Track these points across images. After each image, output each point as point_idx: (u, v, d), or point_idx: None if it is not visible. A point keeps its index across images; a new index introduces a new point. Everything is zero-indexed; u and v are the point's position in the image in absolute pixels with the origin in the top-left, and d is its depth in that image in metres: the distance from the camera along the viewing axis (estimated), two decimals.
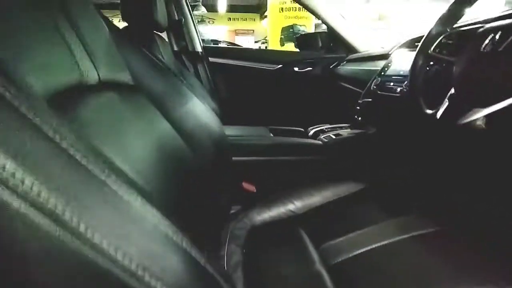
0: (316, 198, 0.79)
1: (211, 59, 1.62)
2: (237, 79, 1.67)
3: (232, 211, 0.78)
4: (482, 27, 0.56)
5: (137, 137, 0.43)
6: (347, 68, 1.46)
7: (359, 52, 1.50)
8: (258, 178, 0.87)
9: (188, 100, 0.65)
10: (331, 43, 1.67)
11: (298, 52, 1.89)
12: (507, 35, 0.48)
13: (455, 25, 0.65)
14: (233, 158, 0.84)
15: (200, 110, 0.67)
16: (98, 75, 0.41)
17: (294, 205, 0.77)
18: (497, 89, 0.48)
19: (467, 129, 0.51)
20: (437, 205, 0.68)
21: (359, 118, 0.99)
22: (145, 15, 1.05)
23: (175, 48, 1.50)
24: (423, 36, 0.98)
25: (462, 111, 0.52)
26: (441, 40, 0.64)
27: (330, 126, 1.14)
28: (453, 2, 0.64)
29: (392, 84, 0.95)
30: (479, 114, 0.49)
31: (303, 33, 4.17)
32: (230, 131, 1.02)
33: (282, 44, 4.36)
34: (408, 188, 0.76)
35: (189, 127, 0.61)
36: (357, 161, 0.90)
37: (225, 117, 1.28)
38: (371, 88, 1.04)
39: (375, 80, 1.03)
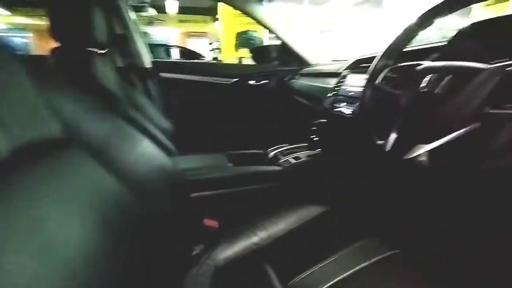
0: (280, 226, 0.78)
1: (162, 75, 1.52)
2: (192, 94, 1.60)
3: (195, 252, 0.73)
4: (419, 64, 0.60)
5: (70, 211, 0.36)
6: (301, 82, 1.50)
7: (311, 64, 1.56)
8: (220, 213, 0.83)
9: (136, 144, 0.58)
10: (285, 55, 1.70)
11: (253, 65, 1.89)
12: (442, 77, 0.53)
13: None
14: (192, 194, 0.79)
15: (151, 152, 0.60)
16: (9, 142, 0.32)
17: (258, 237, 0.75)
18: (437, 127, 0.52)
19: (413, 163, 0.54)
20: (393, 228, 0.73)
21: (316, 139, 1.02)
22: (81, 31, 0.93)
23: (120, 65, 1.36)
24: (369, 57, 1.07)
25: (408, 146, 0.56)
26: (386, 73, 0.68)
27: (289, 146, 1.15)
28: (395, 38, 0.69)
29: (344, 104, 1.00)
30: (423, 150, 0.53)
31: (256, 38, 4.22)
32: (186, 163, 0.96)
33: (236, 50, 4.36)
34: (366, 210, 0.80)
35: (140, 175, 0.54)
36: (316, 185, 0.92)
37: (180, 138, 1.21)
38: (325, 107, 1.08)
39: (328, 99, 1.08)
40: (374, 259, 0.62)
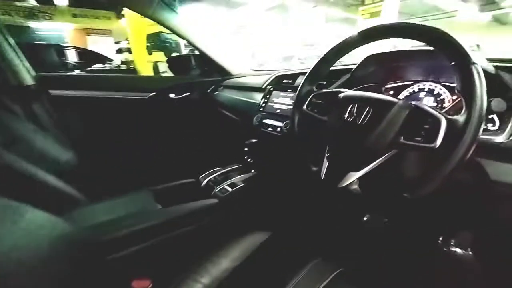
0: (224, 265, 0.72)
1: (53, 93, 1.21)
2: (98, 116, 1.34)
3: None
4: (341, 92, 0.64)
5: None
6: (225, 95, 1.46)
7: (232, 75, 1.53)
8: (152, 269, 0.70)
9: (10, 226, 0.41)
10: (204, 65, 1.62)
11: (171, 76, 1.73)
12: (363, 107, 0.56)
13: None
14: (113, 255, 0.64)
15: (36, 218, 0.44)
16: None
17: (202, 284, 0.67)
18: (363, 154, 0.56)
19: (346, 191, 0.56)
20: (335, 248, 0.76)
21: (249, 160, 1.00)
22: None
23: None
24: (290, 74, 1.12)
25: (340, 173, 0.58)
26: (311, 98, 0.70)
27: (222, 171, 1.08)
28: (316, 62, 0.71)
29: (272, 121, 1.00)
30: (354, 178, 0.56)
31: (171, 40, 3.96)
32: (99, 213, 0.78)
33: (150, 53, 3.99)
34: (308, 232, 0.82)
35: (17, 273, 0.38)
36: (256, 210, 0.89)
37: (88, 175, 0.99)
38: (254, 124, 1.06)
39: (256, 117, 1.06)
40: (325, 282, 0.63)
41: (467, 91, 0.44)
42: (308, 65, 1.37)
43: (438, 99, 0.73)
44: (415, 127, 0.50)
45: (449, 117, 0.45)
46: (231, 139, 1.28)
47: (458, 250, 0.82)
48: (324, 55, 0.69)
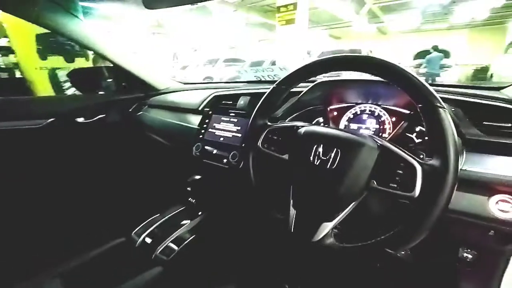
0: None
1: None
2: None
3: None
4: (299, 127, 0.57)
5: None
6: (152, 116, 1.24)
7: (158, 90, 1.33)
8: None
9: None
10: (122, 79, 1.35)
11: (77, 95, 1.38)
12: (330, 149, 0.50)
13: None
14: None
15: None
16: None
17: None
18: (333, 200, 0.50)
19: (322, 246, 0.50)
20: None
21: (193, 201, 0.84)
22: None
23: None
24: (230, 94, 1.00)
25: (312, 225, 0.51)
26: (267, 133, 0.61)
27: (162, 219, 0.87)
28: (267, 93, 0.62)
29: (216, 151, 0.88)
30: (327, 229, 0.50)
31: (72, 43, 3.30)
32: None
33: (43, 58, 3.19)
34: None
35: None
36: (215, 270, 0.75)
37: None
38: (194, 154, 0.91)
39: (195, 146, 0.92)
40: None
41: (438, 135, 0.42)
42: (244, 78, 1.30)
43: (380, 120, 0.75)
44: (388, 171, 0.47)
45: (424, 163, 0.43)
46: (167, 172, 1.08)
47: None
48: (276, 84, 0.61)
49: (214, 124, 0.93)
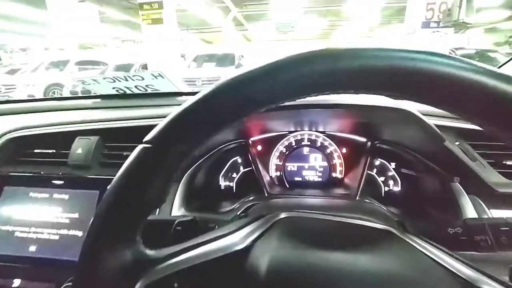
0: None
1: None
2: None
3: None
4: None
5: None
6: None
7: None
8: None
9: None
10: None
11: None
12: None
13: None
14: None
15: None
16: None
17: None
18: None
19: None
20: None
21: None
22: None
23: None
24: (42, 134, 0.52)
25: None
26: None
27: None
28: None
29: None
30: None
31: None
32: None
33: None
34: None
35: None
36: None
37: None
38: None
39: None
40: None
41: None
42: (96, 91, 0.81)
43: (326, 152, 0.52)
44: None
45: None
46: None
47: None
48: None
49: (3, 212, 0.43)
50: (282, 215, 0.27)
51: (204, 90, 0.19)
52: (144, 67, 6.69)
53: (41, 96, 6.13)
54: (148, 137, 0.20)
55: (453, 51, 6.35)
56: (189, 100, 0.19)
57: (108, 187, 0.20)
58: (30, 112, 0.77)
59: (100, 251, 0.20)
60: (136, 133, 0.50)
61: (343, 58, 0.17)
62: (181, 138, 0.19)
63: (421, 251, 0.23)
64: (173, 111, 0.20)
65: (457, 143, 0.39)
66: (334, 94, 0.19)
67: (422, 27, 5.76)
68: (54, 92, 6.56)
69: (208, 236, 0.24)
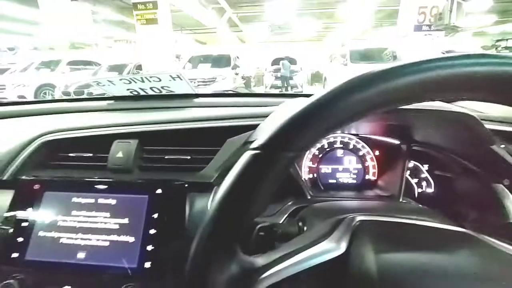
0: None
1: None
2: None
3: None
4: None
5: None
6: None
7: None
8: None
9: None
10: None
11: None
12: None
13: None
14: None
15: None
16: None
17: None
18: None
19: None
20: None
21: None
22: None
23: None
24: (74, 130, 0.50)
25: None
26: None
27: None
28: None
29: None
30: None
31: None
32: None
33: None
34: None
35: None
36: None
37: None
38: None
39: None
40: None
41: None
42: (111, 92, 0.80)
43: (359, 154, 0.52)
44: None
45: None
46: None
47: None
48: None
49: (46, 218, 0.41)
50: (359, 218, 0.27)
51: (314, 96, 0.19)
52: (139, 67, 6.60)
53: (31, 98, 5.95)
54: (255, 144, 0.20)
55: (443, 54, 6.50)
56: (298, 106, 0.19)
57: (215, 197, 0.20)
58: (38, 115, 0.74)
59: (209, 268, 0.20)
60: (174, 137, 0.50)
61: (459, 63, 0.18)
62: (291, 144, 0.19)
63: (502, 250, 0.24)
64: (276, 116, 0.20)
65: (502, 145, 0.40)
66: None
67: (414, 30, 5.90)
68: (45, 93, 6.38)
69: (300, 242, 0.24)
